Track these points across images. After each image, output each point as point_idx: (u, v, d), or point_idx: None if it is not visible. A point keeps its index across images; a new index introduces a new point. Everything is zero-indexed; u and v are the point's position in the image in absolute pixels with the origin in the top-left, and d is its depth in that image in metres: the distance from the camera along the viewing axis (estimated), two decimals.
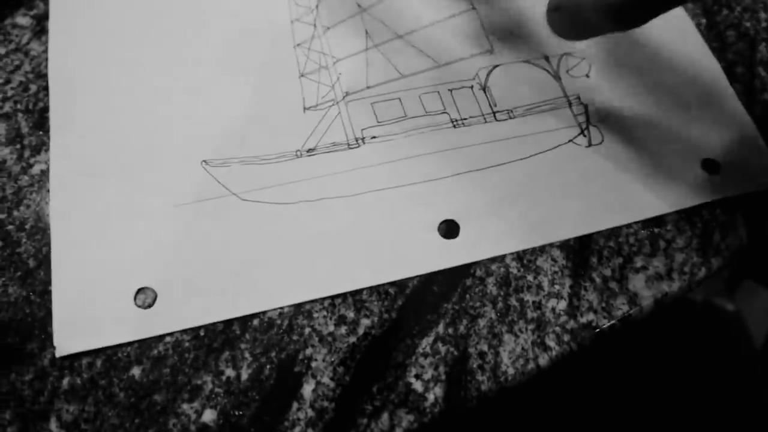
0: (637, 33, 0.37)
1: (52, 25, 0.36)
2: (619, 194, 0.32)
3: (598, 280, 0.30)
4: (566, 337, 0.29)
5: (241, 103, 0.34)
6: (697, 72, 0.36)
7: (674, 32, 0.37)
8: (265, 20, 0.36)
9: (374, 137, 0.33)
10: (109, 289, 0.30)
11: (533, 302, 0.29)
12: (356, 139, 0.33)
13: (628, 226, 0.32)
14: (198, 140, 0.32)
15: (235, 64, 0.35)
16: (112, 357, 0.28)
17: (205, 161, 0.32)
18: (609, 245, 0.31)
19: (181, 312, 0.29)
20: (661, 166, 0.33)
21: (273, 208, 0.31)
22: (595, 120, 0.34)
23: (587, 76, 0.35)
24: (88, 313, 0.29)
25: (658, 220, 0.32)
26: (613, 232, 0.32)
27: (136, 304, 0.29)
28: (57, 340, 0.28)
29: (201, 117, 0.33)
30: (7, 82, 0.34)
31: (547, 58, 0.36)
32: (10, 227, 0.31)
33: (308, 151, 0.32)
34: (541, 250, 0.31)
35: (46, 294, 0.30)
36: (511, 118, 0.34)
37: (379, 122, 0.33)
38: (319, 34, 0.36)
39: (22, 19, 0.36)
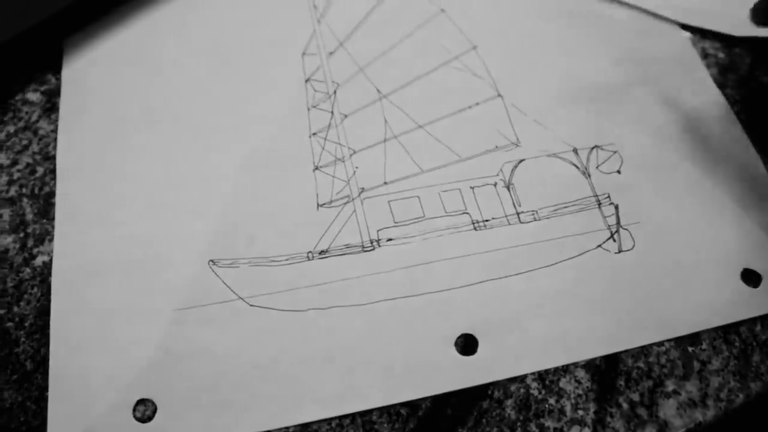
0: (673, 125, 0.36)
1: (63, 104, 0.38)
2: (650, 308, 0.31)
3: (625, 405, 0.30)
4: None
5: (253, 197, 0.35)
6: (739, 171, 0.35)
7: (714, 124, 0.37)
8: (281, 107, 0.36)
9: (390, 239, 0.32)
10: (108, 399, 0.31)
11: (554, 429, 0.29)
12: (371, 241, 0.32)
13: (659, 344, 0.31)
14: (205, 237, 0.32)
15: (248, 154, 0.36)
16: None
17: (212, 261, 0.32)
18: (638, 366, 0.31)
19: (182, 427, 0.29)
20: (697, 277, 0.32)
21: (282, 315, 0.31)
22: (626, 222, 0.33)
23: (618, 172, 0.35)
24: (84, 425, 0.29)
25: (692, 338, 0.31)
26: (643, 351, 0.31)
27: (135, 416, 0.29)
28: None
29: (209, 212, 0.33)
30: (14, 163, 0.35)
31: (576, 151, 0.35)
32: (9, 324, 0.31)
33: (320, 253, 0.32)
34: (565, 369, 0.30)
35: (42, 401, 0.30)
36: (536, 219, 0.33)
37: (396, 223, 0.33)
38: (337, 122, 0.35)
39: (33, 95, 0.37)
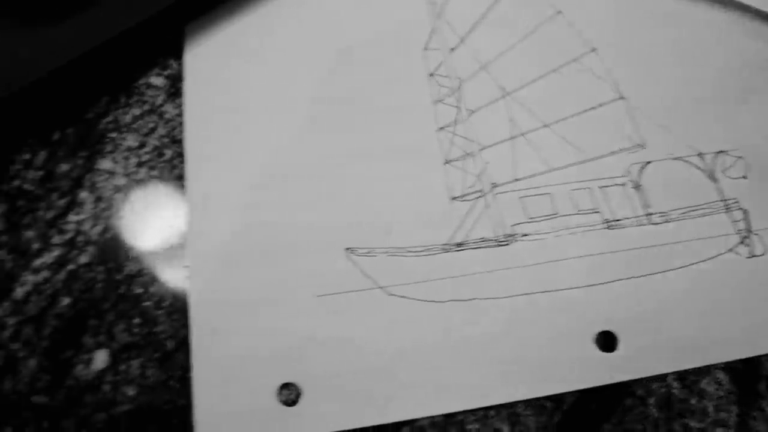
0: None
1: (187, 90, 0.38)
2: None
3: None
4: None
5: (385, 187, 0.36)
6: None
7: None
8: (405, 100, 0.36)
9: (525, 235, 0.33)
10: (252, 382, 0.31)
11: (698, 429, 0.29)
12: (505, 236, 0.33)
13: None
14: (341, 226, 0.33)
15: (376, 145, 0.37)
16: None
17: (349, 249, 0.32)
18: None
19: (327, 412, 0.29)
20: None
21: (421, 305, 0.31)
22: (758, 228, 0.34)
23: (745, 177, 0.35)
24: (231, 406, 0.29)
25: None
26: None
27: (279, 400, 0.29)
28: None
29: (345, 201, 0.33)
30: (142, 145, 0.35)
31: (701, 155, 0.36)
32: (147, 303, 0.32)
33: (457, 245, 0.32)
34: (705, 371, 0.30)
35: (185, 380, 0.30)
36: (667, 221, 0.34)
37: (529, 219, 0.33)
38: (463, 117, 0.36)
39: (156, 80, 0.37)
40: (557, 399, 0.30)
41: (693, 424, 0.30)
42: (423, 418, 0.30)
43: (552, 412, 0.30)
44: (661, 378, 0.31)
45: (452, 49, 0.39)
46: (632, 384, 0.31)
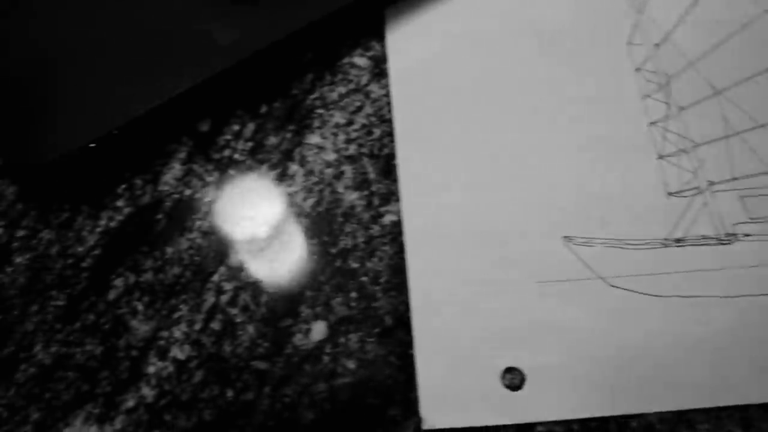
0: None
1: (392, 71, 0.39)
2: None
3: None
4: None
5: (598, 178, 0.36)
6: None
7: None
8: (612, 93, 0.36)
9: (747, 235, 0.32)
10: (475, 363, 0.32)
11: None
12: (727, 235, 0.32)
13: None
14: (557, 214, 0.33)
15: (587, 136, 0.37)
16: None
17: (567, 237, 0.32)
18: None
19: (553, 400, 0.29)
20: None
21: (644, 299, 0.31)
22: None
23: None
24: (454, 386, 0.29)
25: None
26: None
27: (503, 383, 0.29)
28: (424, 412, 0.29)
29: (558, 189, 0.33)
30: (350, 123, 0.36)
31: None
32: (364, 278, 0.32)
33: (676, 241, 0.32)
34: None
35: (405, 357, 0.30)
36: None
37: (751, 219, 0.32)
38: (674, 113, 0.36)
39: (360, 60, 0.38)
40: None
41: None
42: (651, 414, 0.29)
43: None
44: None
45: (657, 45, 0.39)
46: None
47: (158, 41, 0.36)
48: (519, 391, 0.30)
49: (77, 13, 0.37)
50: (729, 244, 0.33)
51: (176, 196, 0.35)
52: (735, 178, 0.35)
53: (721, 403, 0.30)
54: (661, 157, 0.35)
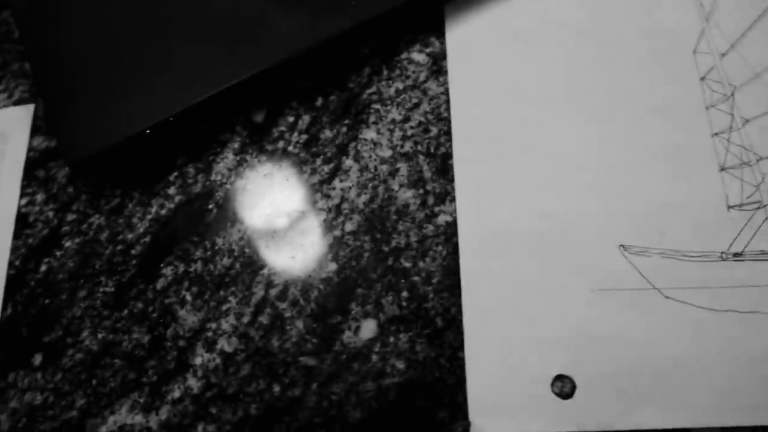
0: None
1: (451, 70, 0.39)
2: None
3: None
4: None
5: (658, 188, 0.36)
6: None
7: None
8: (676, 102, 0.36)
9: None
10: (526, 369, 0.31)
11: None
12: None
13: None
14: (615, 222, 0.32)
15: (647, 144, 0.37)
16: None
17: (623, 246, 0.31)
18: None
19: (603, 410, 0.29)
20: None
21: (698, 312, 0.31)
22: None
23: None
24: (503, 391, 0.29)
25: None
26: None
27: (553, 391, 0.29)
28: (473, 416, 0.29)
29: (616, 197, 0.33)
30: (407, 119, 0.35)
31: None
32: (416, 278, 0.32)
33: (734, 255, 0.31)
34: None
35: (455, 360, 0.30)
36: None
37: None
38: (738, 125, 0.35)
39: (418, 56, 0.37)
40: None
41: None
42: (698, 429, 0.29)
43: None
44: None
45: (723, 54, 0.38)
46: None
47: (217, 30, 0.36)
48: (569, 400, 0.30)
49: (137, 2, 0.37)
50: None
51: (228, 186, 0.35)
52: None
53: (765, 423, 0.29)
54: (723, 169, 0.35)
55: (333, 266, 0.33)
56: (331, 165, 0.35)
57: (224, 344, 0.31)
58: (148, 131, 0.33)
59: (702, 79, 0.37)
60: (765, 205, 0.33)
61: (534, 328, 0.31)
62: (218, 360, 0.31)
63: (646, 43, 0.38)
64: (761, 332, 0.31)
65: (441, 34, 0.39)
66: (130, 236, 0.34)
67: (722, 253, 0.32)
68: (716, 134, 0.35)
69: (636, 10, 0.39)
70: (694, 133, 0.35)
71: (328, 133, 0.36)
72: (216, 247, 0.33)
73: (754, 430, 0.29)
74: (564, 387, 0.30)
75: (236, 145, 0.36)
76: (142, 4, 0.37)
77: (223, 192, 0.34)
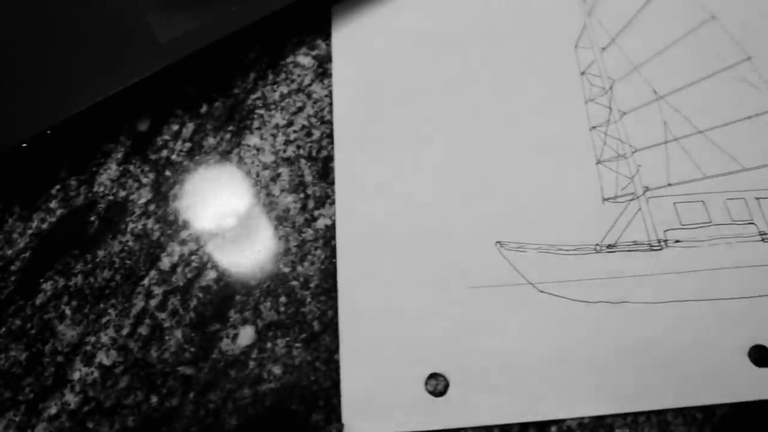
0: None
1: (336, 71, 0.39)
2: None
3: None
4: None
5: (536, 183, 0.36)
6: None
7: None
8: (557, 97, 0.36)
9: (678, 241, 0.32)
10: (400, 369, 0.32)
11: None
12: (658, 241, 0.32)
13: None
14: (491, 218, 0.33)
15: (528, 139, 0.37)
16: None
17: (499, 243, 0.32)
18: None
19: (475, 406, 0.29)
20: None
21: (572, 305, 0.31)
22: None
23: None
24: (377, 392, 0.29)
25: None
26: None
27: (426, 389, 0.29)
28: (346, 418, 0.29)
29: (495, 193, 0.33)
30: (290, 124, 0.36)
31: None
32: (294, 283, 0.32)
33: (608, 247, 0.32)
34: None
35: (331, 363, 0.30)
36: None
37: (682, 225, 0.33)
38: (615, 118, 0.36)
39: (304, 59, 0.38)
40: (708, 410, 0.30)
41: None
42: (571, 419, 0.30)
43: (702, 424, 0.30)
44: None
45: (603, 49, 0.39)
46: None
47: (95, 37, 0.36)
48: (442, 397, 0.30)
49: (11, 7, 0.37)
50: (660, 250, 0.33)
51: (110, 197, 0.35)
52: (670, 184, 0.35)
53: (641, 408, 0.30)
54: (599, 162, 0.35)
55: (213, 274, 0.33)
56: (214, 172, 0.35)
57: (103, 357, 0.31)
58: (24, 145, 0.33)
59: (582, 73, 0.37)
60: (639, 196, 0.34)
61: (409, 328, 0.31)
62: (96, 374, 0.31)
63: (529, 40, 0.38)
64: (631, 321, 0.31)
65: (327, 36, 0.39)
66: (9, 252, 0.33)
67: (596, 245, 0.33)
68: (594, 128, 0.36)
69: (520, 6, 0.39)
70: (573, 127, 0.36)
71: (211, 141, 0.36)
72: (97, 260, 0.33)
73: (624, 418, 0.29)
74: (438, 385, 0.30)
75: (119, 156, 0.35)
76: (15, 12, 0.36)
77: (105, 203, 0.34)
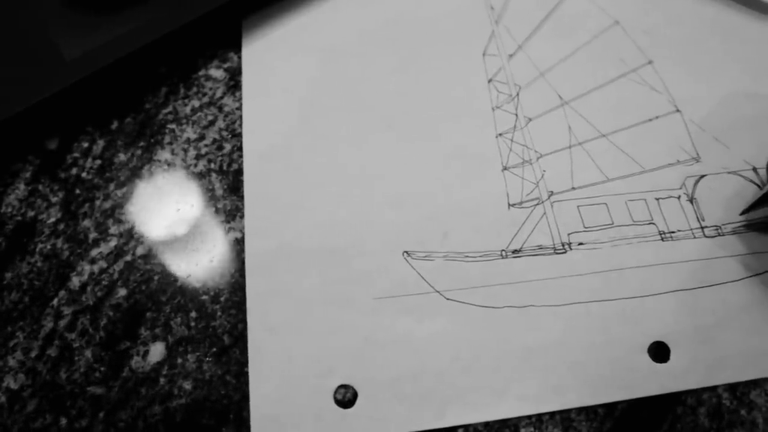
0: None
1: (246, 84, 0.39)
2: None
3: None
4: None
5: (444, 192, 0.36)
6: None
7: None
8: (465, 105, 0.37)
9: (581, 244, 0.33)
10: (308, 382, 0.31)
11: None
12: (563, 244, 0.33)
13: None
14: (400, 228, 0.33)
15: (436, 148, 0.37)
16: None
17: (406, 252, 0.32)
18: None
19: (383, 415, 0.30)
20: None
21: (478, 311, 0.31)
22: None
23: None
24: (286, 405, 0.29)
25: None
26: None
27: (335, 399, 0.29)
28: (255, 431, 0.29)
29: (403, 204, 0.34)
30: (201, 138, 0.35)
31: (755, 170, 0.36)
32: (205, 297, 0.32)
33: (513, 252, 0.32)
34: (755, 383, 0.31)
35: (242, 376, 0.30)
36: (720, 235, 0.34)
37: (585, 228, 0.33)
38: (521, 125, 0.36)
39: (216, 72, 0.37)
40: (609, 405, 0.30)
41: None
42: (480, 423, 0.30)
43: (604, 419, 0.30)
44: (712, 388, 0.31)
45: (511, 56, 0.39)
46: (683, 393, 0.31)
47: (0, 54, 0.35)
48: (350, 408, 0.30)
49: None
50: (564, 253, 0.33)
51: (18, 218, 0.34)
52: (574, 188, 0.35)
53: (546, 409, 0.30)
54: (505, 168, 0.36)
55: (123, 292, 0.32)
56: (125, 189, 0.34)
57: (10, 381, 0.30)
58: None
59: (490, 81, 0.37)
60: (543, 201, 0.34)
61: (317, 340, 0.31)
62: (3, 398, 0.30)
63: (439, 49, 0.39)
64: (536, 325, 0.32)
65: (239, 49, 0.38)
66: None
67: (502, 251, 0.33)
68: (500, 135, 0.36)
69: (429, 16, 0.39)
70: (481, 135, 0.36)
71: (122, 157, 0.35)
72: (4, 282, 0.32)
73: (529, 417, 0.30)
74: (346, 394, 0.30)
75: (28, 175, 0.34)
76: None
77: (13, 224, 0.33)
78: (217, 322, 0.31)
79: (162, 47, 0.36)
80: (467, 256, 0.33)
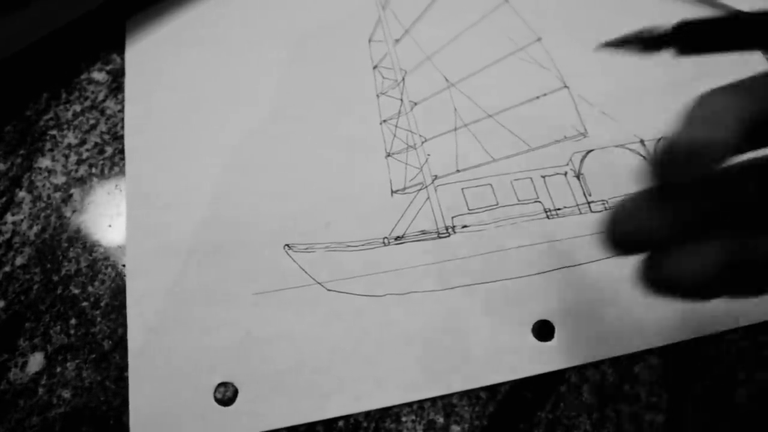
0: None
1: (128, 86, 0.38)
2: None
3: (698, 392, 0.30)
4: None
5: (327, 181, 0.36)
6: None
7: None
8: (350, 92, 0.36)
9: (465, 226, 0.32)
10: (188, 381, 0.31)
11: (630, 414, 0.29)
12: (446, 228, 0.32)
13: (734, 330, 0.31)
14: (281, 221, 0.32)
15: (320, 138, 0.37)
16: None
17: (288, 245, 0.31)
18: (710, 354, 0.31)
19: (264, 411, 0.29)
20: None
21: (360, 300, 0.31)
22: None
23: None
24: (166, 406, 0.29)
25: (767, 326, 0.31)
26: (717, 340, 0.31)
27: (215, 397, 0.29)
28: None
29: (284, 196, 0.33)
30: (83, 142, 0.35)
31: (642, 143, 0.35)
32: (85, 304, 0.31)
33: (396, 239, 0.32)
34: (639, 356, 0.30)
35: (121, 381, 0.30)
36: (606, 209, 0.33)
37: (470, 210, 0.33)
38: (406, 110, 0.35)
39: (98, 75, 0.36)
40: (492, 388, 0.30)
41: (625, 408, 0.30)
42: (360, 413, 0.29)
43: (487, 402, 0.30)
44: (596, 365, 0.31)
45: (397, 41, 0.38)
46: (567, 371, 0.30)
47: None
48: (231, 406, 0.29)
49: None
50: (447, 237, 0.33)
51: None
52: (459, 171, 0.34)
53: (428, 395, 0.30)
54: (389, 155, 0.35)
55: (1, 303, 0.31)
56: (3, 199, 0.33)
57: None
58: None
59: (375, 67, 0.36)
60: (427, 186, 0.33)
61: (196, 339, 0.30)
62: None
63: (325, 37, 0.38)
64: (416, 311, 0.31)
65: (122, 50, 0.37)
66: None
67: (384, 238, 0.32)
68: (384, 121, 0.35)
69: (315, 5, 0.38)
70: (365, 122, 0.35)
71: (1, 166, 0.34)
72: None
73: (410, 405, 0.29)
74: (226, 392, 0.29)
75: None
76: None
77: None
78: (96, 328, 0.31)
79: (43, 51, 0.35)
80: (349, 246, 0.32)
